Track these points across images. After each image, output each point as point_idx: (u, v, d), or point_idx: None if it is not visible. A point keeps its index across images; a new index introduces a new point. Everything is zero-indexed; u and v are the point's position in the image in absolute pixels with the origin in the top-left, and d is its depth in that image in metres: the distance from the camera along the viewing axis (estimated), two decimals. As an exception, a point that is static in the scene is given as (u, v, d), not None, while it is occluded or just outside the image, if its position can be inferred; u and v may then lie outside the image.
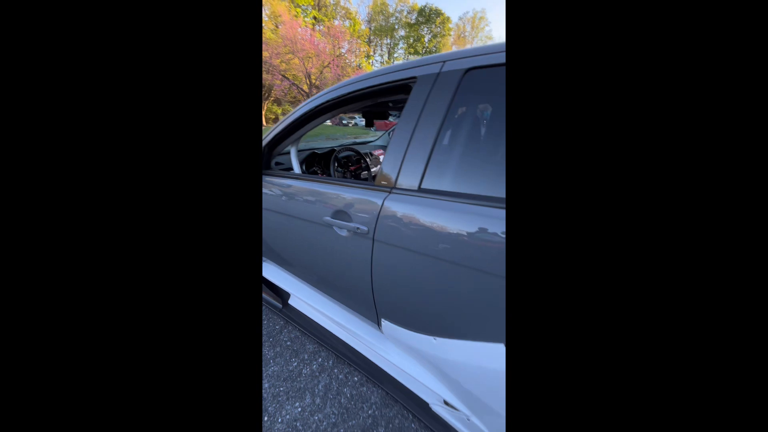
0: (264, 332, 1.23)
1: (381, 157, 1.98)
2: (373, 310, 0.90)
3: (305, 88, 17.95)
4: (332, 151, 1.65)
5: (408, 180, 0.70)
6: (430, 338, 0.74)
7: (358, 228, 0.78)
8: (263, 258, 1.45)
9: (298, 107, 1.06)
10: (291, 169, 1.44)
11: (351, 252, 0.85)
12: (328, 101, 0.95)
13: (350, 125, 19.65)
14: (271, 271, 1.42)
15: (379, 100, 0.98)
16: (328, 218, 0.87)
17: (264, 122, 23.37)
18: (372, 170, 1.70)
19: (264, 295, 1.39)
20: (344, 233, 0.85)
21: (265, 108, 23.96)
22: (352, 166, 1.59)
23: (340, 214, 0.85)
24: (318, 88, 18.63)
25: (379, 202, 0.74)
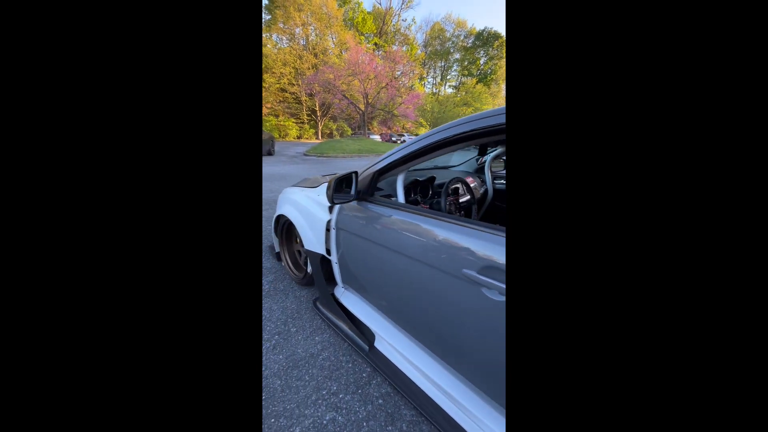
0: (351, 380, 1.08)
1: (473, 185, 1.79)
2: None
3: (362, 107, 19.08)
4: (432, 178, 1.52)
5: None
6: None
7: None
8: (344, 285, 1.36)
9: (418, 137, 0.95)
10: (390, 195, 1.34)
11: (503, 322, 0.66)
12: (462, 133, 0.81)
13: (399, 142, 20.14)
14: (353, 303, 1.30)
15: None
16: (472, 272, 0.70)
17: (320, 137, 25.37)
18: (471, 196, 1.53)
19: (347, 329, 1.27)
20: (499, 298, 0.66)
21: (322, 124, 26.06)
22: (451, 196, 1.43)
23: (494, 271, 0.67)
24: (373, 106, 19.63)
25: None
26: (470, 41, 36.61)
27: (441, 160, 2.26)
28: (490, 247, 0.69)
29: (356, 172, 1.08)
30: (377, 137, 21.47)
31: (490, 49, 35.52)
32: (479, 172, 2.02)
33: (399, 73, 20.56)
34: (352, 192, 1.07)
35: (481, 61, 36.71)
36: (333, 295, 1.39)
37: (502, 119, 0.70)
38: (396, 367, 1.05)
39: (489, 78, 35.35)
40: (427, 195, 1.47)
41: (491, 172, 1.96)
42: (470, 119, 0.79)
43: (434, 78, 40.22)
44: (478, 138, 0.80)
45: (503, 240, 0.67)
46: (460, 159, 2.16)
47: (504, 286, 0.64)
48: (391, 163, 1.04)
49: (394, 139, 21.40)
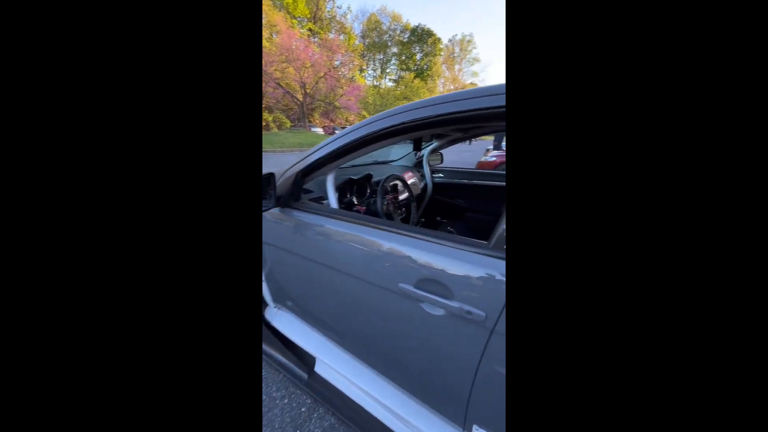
0: (288, 419, 0.92)
1: (411, 180, 1.76)
2: (461, 410, 0.65)
3: (299, 97, 17.81)
4: (368, 176, 1.40)
5: None
6: None
7: (469, 312, 0.54)
8: (276, 305, 1.17)
9: (347, 130, 0.82)
10: (322, 198, 1.18)
11: (444, 337, 0.60)
12: (401, 123, 0.72)
13: (343, 136, 19.55)
14: (287, 324, 1.12)
15: (483, 126, 0.77)
16: (409, 287, 0.62)
17: (253, 129, 22.80)
18: (410, 194, 1.47)
19: (281, 357, 1.09)
20: (438, 312, 0.59)
21: (256, 115, 23.46)
22: (390, 194, 1.35)
23: (432, 284, 0.60)
24: (312, 97, 18.56)
25: None
26: (406, 36, 37.62)
27: (380, 154, 2.18)
28: (426, 256, 0.61)
29: (273, 174, 0.89)
30: (320, 130, 20.41)
31: (425, 45, 37.17)
32: (418, 166, 2.00)
33: (338, 62, 19.82)
34: (270, 198, 0.88)
35: (417, 57, 38.19)
36: (263, 318, 1.18)
37: (444, 109, 0.62)
38: (341, 392, 0.93)
39: (425, 74, 37.10)
40: (364, 194, 1.36)
41: (429, 165, 1.97)
42: (407, 108, 0.69)
43: (374, 71, 40.26)
44: (417, 130, 0.72)
45: (441, 248, 0.60)
46: (401, 152, 2.11)
47: (442, 300, 0.57)
48: (315, 161, 0.88)
49: (336, 131, 20.69)
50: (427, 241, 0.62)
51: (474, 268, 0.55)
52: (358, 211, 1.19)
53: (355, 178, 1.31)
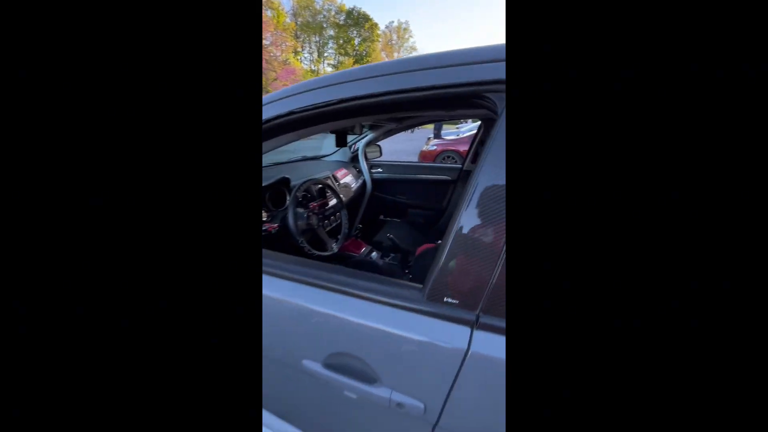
0: None
1: (346, 179, 1.52)
2: None
3: (221, 80, 15.37)
4: (283, 181, 1.09)
5: None
6: None
7: (400, 404, 0.36)
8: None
9: None
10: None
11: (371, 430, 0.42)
12: (318, 107, 0.47)
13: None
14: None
15: (428, 114, 0.56)
16: (316, 366, 0.41)
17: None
18: (338, 200, 1.23)
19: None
20: (355, 397, 0.40)
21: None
22: (314, 202, 1.08)
23: (347, 360, 0.40)
24: (238, 81, 16.24)
25: (457, 348, 0.33)
26: (342, 18, 35.79)
27: (311, 148, 1.87)
28: (336, 315, 0.41)
29: None
30: (252, 119, 18.13)
31: (362, 30, 36.04)
32: (355, 161, 1.77)
33: (267, 41, 17.69)
34: None
35: (356, 42, 36.90)
36: None
37: (384, 85, 0.41)
38: None
39: (365, 60, 36.18)
40: (282, 204, 1.07)
41: (366, 160, 1.76)
42: (322, 84, 0.46)
43: (311, 54, 37.50)
44: (337, 118, 0.49)
45: (354, 303, 0.40)
46: (334, 146, 1.84)
47: (362, 386, 0.38)
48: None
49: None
50: (334, 290, 0.41)
51: (403, 332, 0.37)
52: (267, 231, 0.91)
53: (263, 184, 1.00)
